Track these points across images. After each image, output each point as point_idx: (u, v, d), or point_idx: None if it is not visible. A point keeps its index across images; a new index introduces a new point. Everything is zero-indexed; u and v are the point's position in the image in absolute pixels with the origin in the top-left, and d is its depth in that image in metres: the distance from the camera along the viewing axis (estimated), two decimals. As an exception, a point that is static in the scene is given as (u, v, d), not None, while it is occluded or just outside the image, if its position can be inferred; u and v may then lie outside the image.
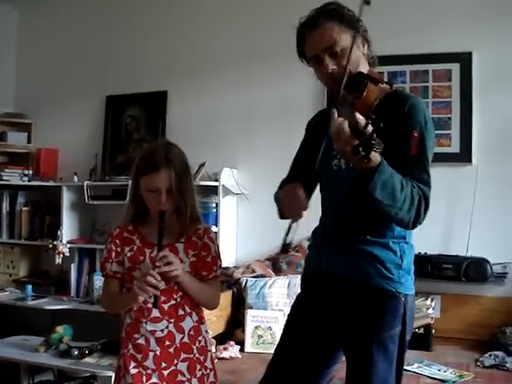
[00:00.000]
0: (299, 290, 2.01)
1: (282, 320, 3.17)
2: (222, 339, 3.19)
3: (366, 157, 1.44)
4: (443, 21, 3.48)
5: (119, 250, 1.96)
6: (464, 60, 3.45)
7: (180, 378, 1.90)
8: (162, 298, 1.88)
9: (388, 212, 1.61)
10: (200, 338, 1.96)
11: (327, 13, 1.78)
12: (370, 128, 1.42)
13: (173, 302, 1.91)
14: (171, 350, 1.90)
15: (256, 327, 3.22)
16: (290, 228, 1.76)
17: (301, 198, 1.72)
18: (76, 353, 3.10)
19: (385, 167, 1.54)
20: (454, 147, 3.47)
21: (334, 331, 1.83)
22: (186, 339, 1.92)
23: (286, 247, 1.79)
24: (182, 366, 1.91)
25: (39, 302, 3.93)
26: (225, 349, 3.06)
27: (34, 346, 3.27)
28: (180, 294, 1.92)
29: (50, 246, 4.01)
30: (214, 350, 2.96)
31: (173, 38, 4.18)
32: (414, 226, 1.68)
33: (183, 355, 1.91)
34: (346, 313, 1.78)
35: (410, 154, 1.68)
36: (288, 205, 1.78)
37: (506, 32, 3.40)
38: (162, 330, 1.90)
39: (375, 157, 1.50)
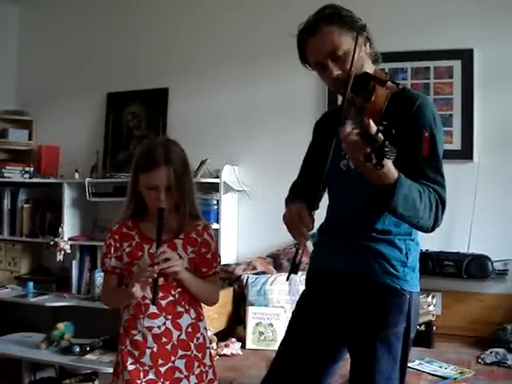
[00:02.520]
0: (303, 287, 2.01)
1: (283, 317, 3.18)
2: (223, 336, 3.19)
3: (378, 163, 1.41)
4: (445, 17, 3.47)
5: (118, 245, 1.97)
6: (465, 57, 3.44)
7: (178, 374, 1.91)
8: (160, 294, 1.88)
9: (410, 222, 1.62)
10: (198, 335, 1.96)
11: (325, 17, 1.75)
12: (381, 135, 1.40)
13: (171, 298, 1.92)
14: (168, 346, 1.90)
15: (257, 324, 3.22)
16: (297, 250, 1.74)
17: (307, 221, 1.71)
18: (77, 350, 3.11)
19: (403, 181, 1.52)
20: (456, 144, 3.46)
21: (338, 328, 1.83)
22: (183, 336, 1.92)
23: (295, 268, 1.76)
24: (180, 363, 1.91)
25: (40, 299, 3.93)
26: (226, 346, 3.06)
27: (35, 342, 3.28)
28: (178, 290, 1.92)
29: (52, 243, 4.01)
30: (215, 346, 2.97)
31: (174, 35, 4.17)
32: (433, 230, 1.68)
33: (180, 352, 1.92)
34: (351, 310, 1.78)
35: (422, 155, 1.68)
36: (293, 226, 1.75)
37: (508, 29, 3.39)
38: (159, 327, 1.90)
39: (391, 169, 1.48)
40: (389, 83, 1.71)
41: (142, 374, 1.89)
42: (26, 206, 4.27)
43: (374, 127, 1.42)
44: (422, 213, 1.59)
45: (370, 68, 1.79)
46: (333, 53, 1.73)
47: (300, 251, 1.74)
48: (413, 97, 1.75)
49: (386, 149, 1.39)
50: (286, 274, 1.78)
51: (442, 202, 1.66)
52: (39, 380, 3.47)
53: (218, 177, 3.73)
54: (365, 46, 1.79)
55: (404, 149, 1.62)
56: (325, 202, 1.97)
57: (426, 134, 1.68)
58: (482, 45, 3.41)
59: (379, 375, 1.71)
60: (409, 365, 1.85)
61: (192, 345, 1.94)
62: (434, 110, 1.73)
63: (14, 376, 3.42)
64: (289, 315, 2.03)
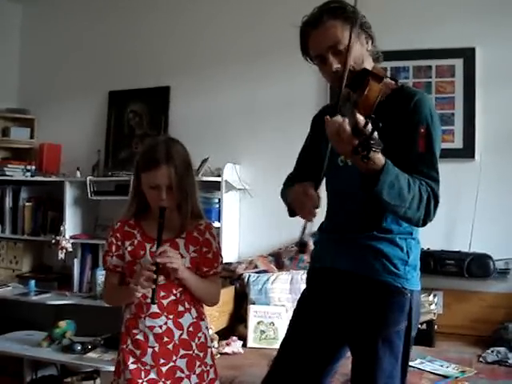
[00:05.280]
0: (304, 286, 2.01)
1: (285, 315, 3.18)
2: (224, 334, 3.19)
3: (365, 157, 1.43)
4: (446, 16, 3.47)
5: (120, 243, 1.97)
6: (467, 55, 3.44)
7: (179, 374, 1.90)
8: (162, 294, 1.88)
9: (396, 212, 1.62)
10: (200, 335, 1.96)
11: (330, 11, 1.76)
12: (369, 127, 1.41)
13: (172, 297, 1.91)
14: (170, 346, 1.90)
15: (258, 323, 3.22)
16: (304, 228, 1.74)
17: (314, 197, 1.70)
18: (79, 348, 3.11)
19: (390, 168, 1.53)
20: (457, 143, 3.46)
21: (339, 327, 1.83)
22: (184, 335, 1.92)
23: (303, 247, 1.77)
24: (181, 363, 1.91)
25: (42, 297, 3.94)
26: (227, 344, 3.06)
27: (37, 340, 3.28)
28: (180, 289, 1.92)
29: (53, 241, 4.02)
30: (216, 345, 2.97)
31: (175, 33, 4.17)
32: (424, 224, 1.68)
33: (182, 351, 1.91)
34: (352, 308, 1.78)
35: (417, 151, 1.68)
36: (301, 205, 1.74)
37: (510, 28, 3.39)
38: (161, 326, 1.90)
39: (378, 158, 1.50)
40: (386, 80, 1.71)
41: (143, 373, 1.88)
42: (27, 204, 4.28)
43: (362, 120, 1.44)
44: (409, 203, 1.59)
45: (369, 65, 1.79)
46: (334, 46, 1.74)
47: (307, 229, 1.73)
48: (411, 93, 1.75)
49: (372, 142, 1.41)
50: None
51: (434, 196, 1.66)
52: (41, 378, 3.48)
53: (219, 175, 3.73)
54: (366, 43, 1.81)
55: (400, 144, 1.62)
56: (324, 200, 1.97)
57: (422, 130, 1.68)
58: (484, 43, 3.41)
59: (381, 374, 1.71)
60: (410, 364, 1.85)
61: (193, 344, 1.93)
62: (432, 107, 1.74)
63: (16, 374, 3.43)
64: (290, 314, 2.03)
